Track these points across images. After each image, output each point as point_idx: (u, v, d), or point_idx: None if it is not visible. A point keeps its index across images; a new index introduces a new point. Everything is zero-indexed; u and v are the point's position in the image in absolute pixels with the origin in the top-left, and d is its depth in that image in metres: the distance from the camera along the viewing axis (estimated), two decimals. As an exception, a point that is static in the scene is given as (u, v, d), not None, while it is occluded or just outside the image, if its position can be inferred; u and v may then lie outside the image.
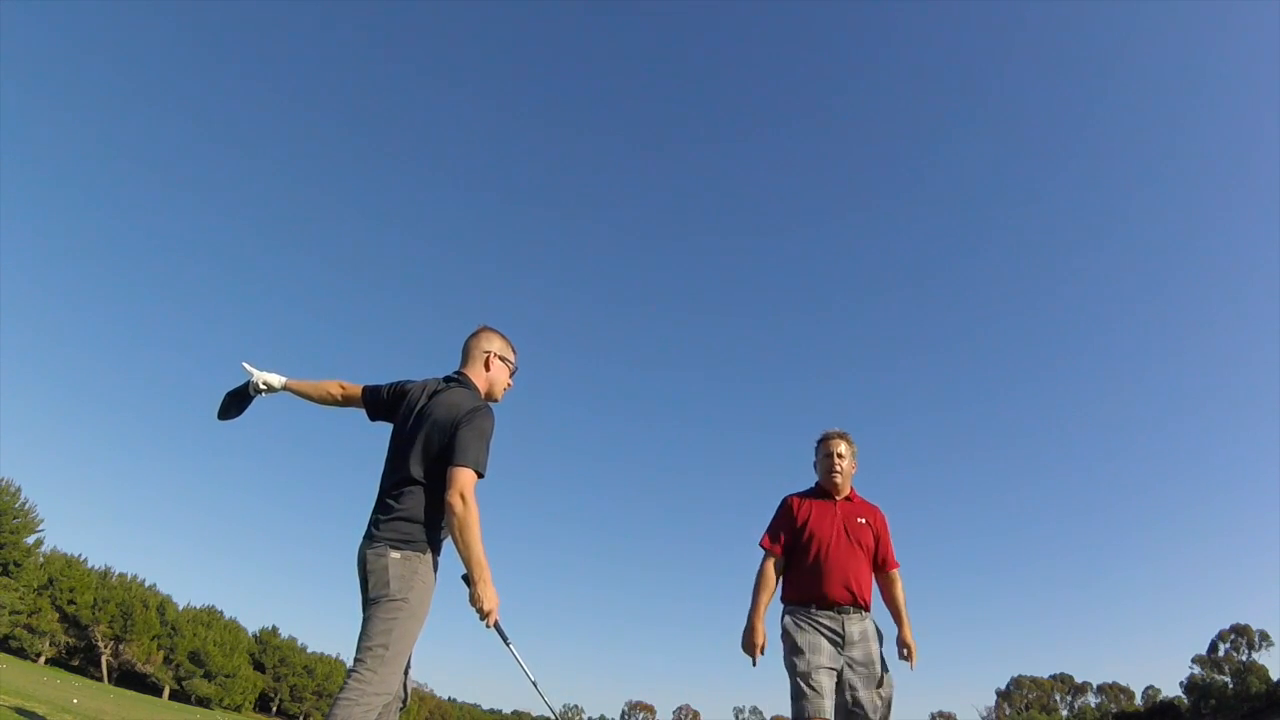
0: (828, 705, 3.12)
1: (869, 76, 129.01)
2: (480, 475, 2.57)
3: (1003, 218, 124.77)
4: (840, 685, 3.23)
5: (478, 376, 2.88)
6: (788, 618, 3.39)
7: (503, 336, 2.98)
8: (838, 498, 3.55)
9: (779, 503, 3.63)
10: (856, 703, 3.21)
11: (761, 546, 3.53)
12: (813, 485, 3.66)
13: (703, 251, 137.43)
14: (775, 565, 3.47)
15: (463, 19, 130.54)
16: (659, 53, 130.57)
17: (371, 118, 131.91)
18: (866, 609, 3.39)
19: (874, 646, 3.33)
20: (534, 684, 2.80)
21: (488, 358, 2.91)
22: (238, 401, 3.10)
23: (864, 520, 3.52)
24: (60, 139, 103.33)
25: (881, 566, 3.54)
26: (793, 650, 3.27)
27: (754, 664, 3.35)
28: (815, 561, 3.38)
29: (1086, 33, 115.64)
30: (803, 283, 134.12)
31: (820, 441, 3.63)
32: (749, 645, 3.34)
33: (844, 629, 3.28)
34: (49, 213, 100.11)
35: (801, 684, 3.17)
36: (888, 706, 3.24)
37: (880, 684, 3.25)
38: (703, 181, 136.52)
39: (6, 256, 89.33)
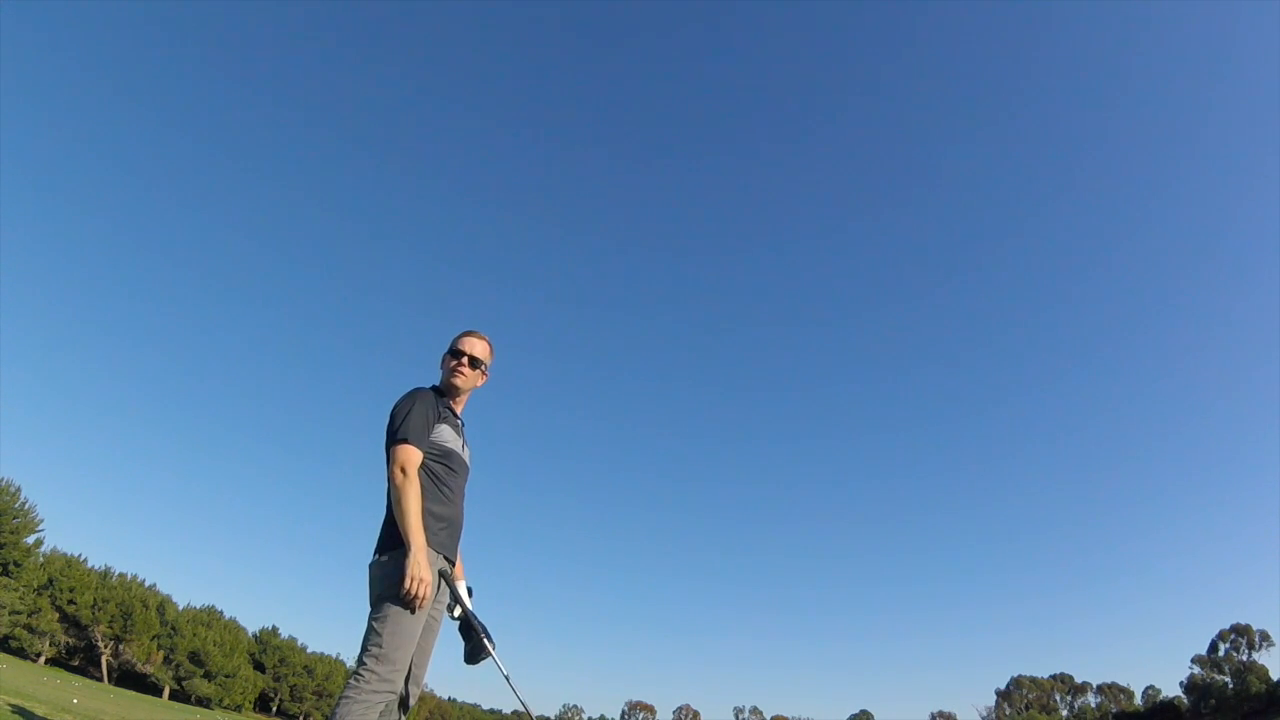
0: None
1: (867, 82, 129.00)
2: (410, 443, 2.64)
3: (998, 226, 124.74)
4: None
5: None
6: None
7: (470, 332, 3.04)
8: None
9: None
10: None
11: None
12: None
13: (703, 256, 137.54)
14: None
15: (459, 25, 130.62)
16: (651, 58, 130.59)
17: (369, 123, 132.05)
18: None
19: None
20: (506, 678, 2.85)
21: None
22: (465, 635, 2.84)
23: None
24: (60, 140, 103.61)
25: None
26: None
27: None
28: None
29: (1095, 35, 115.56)
30: (807, 289, 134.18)
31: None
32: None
33: None
34: (49, 213, 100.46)
35: None
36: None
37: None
38: (706, 185, 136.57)
39: (6, 256, 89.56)
